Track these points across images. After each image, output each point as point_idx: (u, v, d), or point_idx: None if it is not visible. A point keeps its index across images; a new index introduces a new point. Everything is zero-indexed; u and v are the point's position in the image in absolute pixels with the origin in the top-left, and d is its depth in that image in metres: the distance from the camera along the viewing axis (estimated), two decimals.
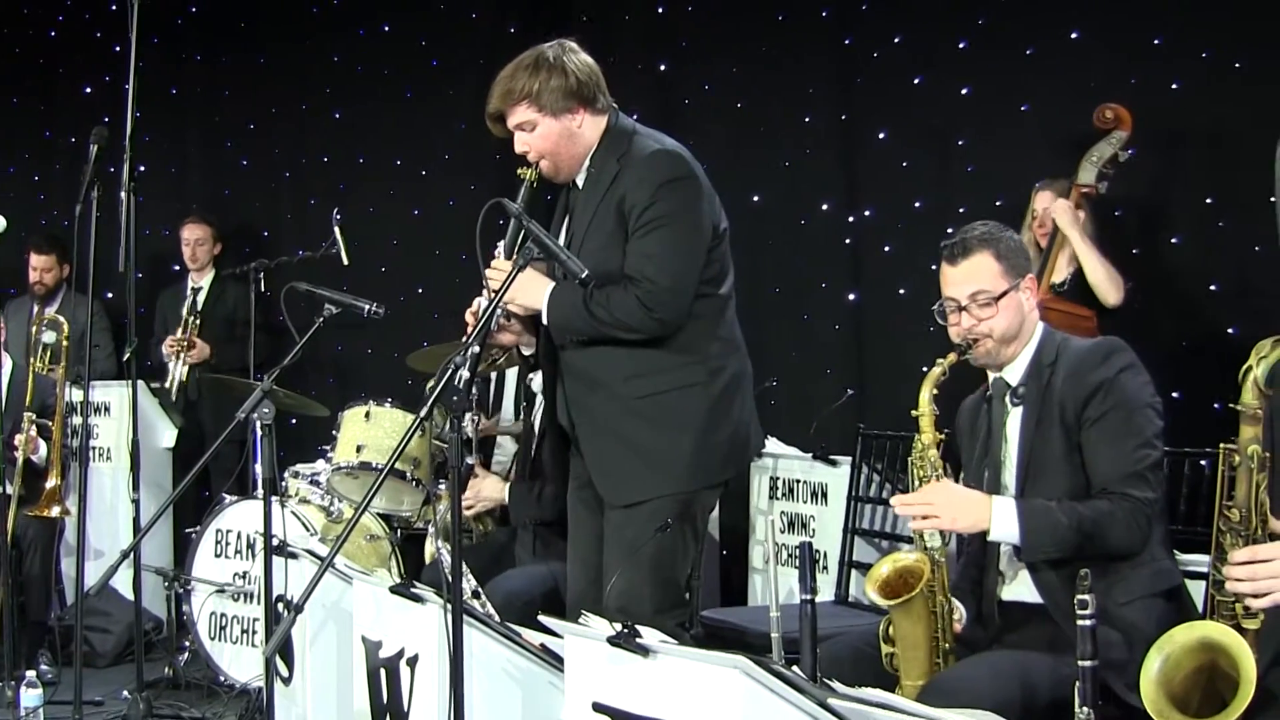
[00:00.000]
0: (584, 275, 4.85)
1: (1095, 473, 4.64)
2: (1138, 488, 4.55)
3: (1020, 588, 4.80)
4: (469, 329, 5.20)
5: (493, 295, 4.92)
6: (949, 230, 5.00)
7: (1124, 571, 4.61)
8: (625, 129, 5.37)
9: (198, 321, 10.36)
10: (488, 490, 6.94)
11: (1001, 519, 4.58)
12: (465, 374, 4.55)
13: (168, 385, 10.20)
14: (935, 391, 4.87)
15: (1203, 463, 5.58)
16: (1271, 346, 3.69)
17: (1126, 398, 4.64)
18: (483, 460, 7.21)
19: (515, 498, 6.80)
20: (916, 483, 4.82)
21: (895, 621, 4.68)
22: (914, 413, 4.84)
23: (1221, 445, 3.93)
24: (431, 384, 6.47)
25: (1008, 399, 4.91)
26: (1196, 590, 5.08)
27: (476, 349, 4.65)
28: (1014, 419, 4.88)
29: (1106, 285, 6.82)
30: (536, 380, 5.92)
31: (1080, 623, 3.81)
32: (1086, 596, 3.79)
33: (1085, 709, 3.79)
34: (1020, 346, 4.89)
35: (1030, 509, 4.59)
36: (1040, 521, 4.56)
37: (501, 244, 5.23)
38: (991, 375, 5.01)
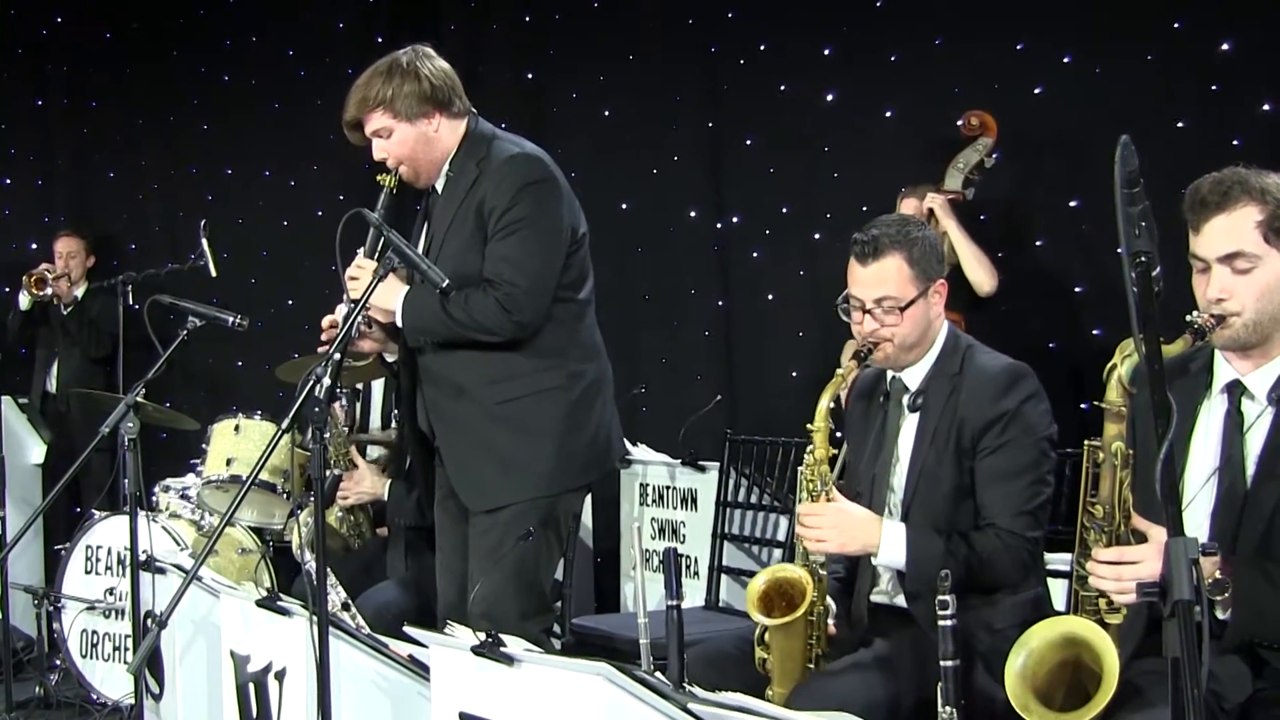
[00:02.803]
0: (444, 285, 4.86)
1: (985, 505, 4.62)
2: (1027, 527, 4.56)
3: (889, 590, 4.80)
4: (327, 335, 5.19)
5: (353, 302, 4.91)
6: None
7: (997, 596, 4.61)
8: (485, 133, 5.39)
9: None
10: (366, 485, 6.89)
11: (890, 545, 4.54)
12: (327, 382, 4.54)
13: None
14: (832, 404, 4.71)
15: (1067, 465, 5.62)
16: (1135, 345, 3.74)
17: (1025, 431, 4.60)
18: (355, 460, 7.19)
19: (394, 497, 6.78)
20: (805, 495, 4.71)
21: (772, 633, 4.62)
22: (809, 426, 4.72)
23: (1086, 442, 3.96)
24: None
25: (905, 403, 4.83)
26: (1058, 587, 5.14)
27: (338, 357, 4.64)
28: (909, 425, 4.81)
29: (981, 274, 6.86)
30: None
31: (941, 623, 3.83)
32: (947, 597, 3.81)
33: (948, 708, 3.82)
34: (922, 352, 4.80)
35: (918, 541, 4.55)
36: (927, 554, 4.52)
37: (362, 250, 5.22)
38: (888, 373, 4.93)
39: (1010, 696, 3.71)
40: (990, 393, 4.64)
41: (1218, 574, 3.65)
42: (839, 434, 4.89)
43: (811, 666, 4.64)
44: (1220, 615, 3.71)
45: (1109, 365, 3.90)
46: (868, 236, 4.75)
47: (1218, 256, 3.87)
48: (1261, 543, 3.81)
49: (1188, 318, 3.83)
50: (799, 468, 4.82)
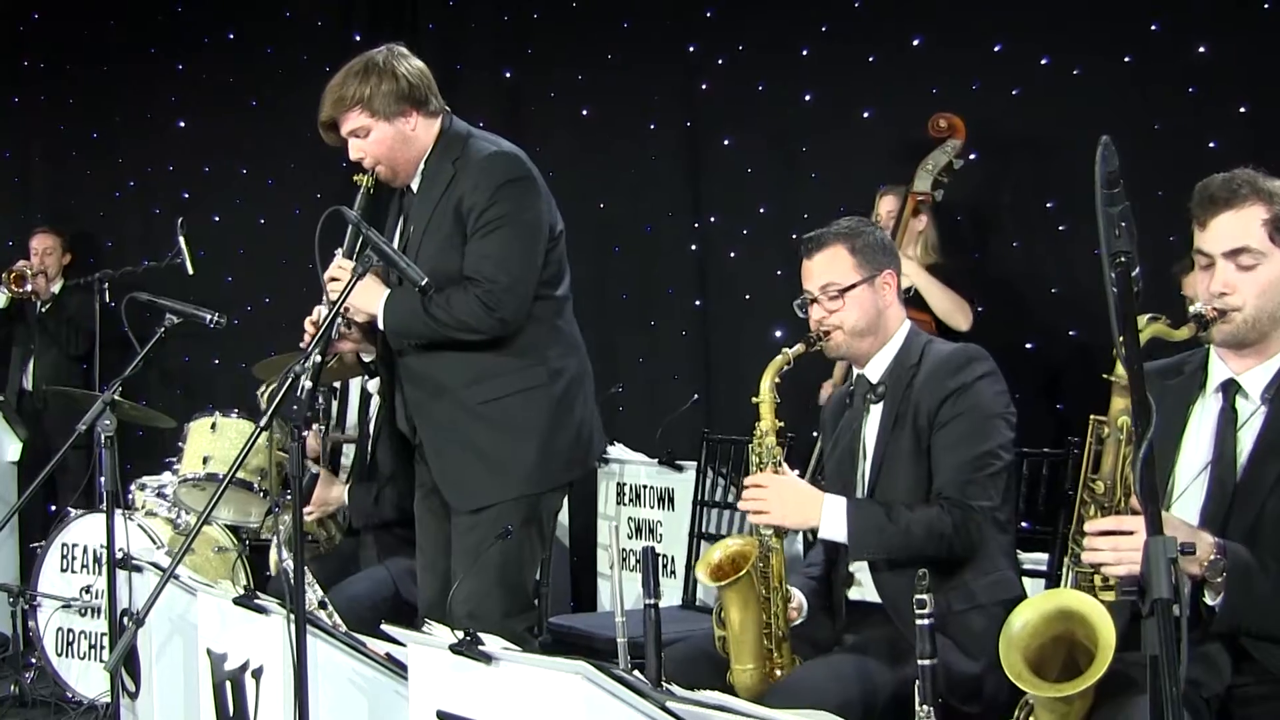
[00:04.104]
0: (424, 283, 4.85)
1: (936, 476, 4.64)
2: (975, 495, 4.56)
3: (867, 589, 4.80)
4: (309, 338, 5.16)
5: (332, 303, 4.91)
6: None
7: (964, 578, 4.62)
8: (460, 132, 5.38)
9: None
10: (335, 492, 6.89)
11: (830, 518, 4.58)
12: (308, 384, 4.54)
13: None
14: (778, 380, 4.80)
15: (1045, 464, 5.62)
16: (1148, 321, 3.75)
17: (978, 404, 4.63)
18: (330, 468, 7.18)
19: (355, 500, 6.79)
20: (754, 470, 4.77)
21: (725, 605, 4.66)
22: (754, 399, 4.81)
23: (1092, 417, 3.94)
24: (264, 389, 6.49)
25: (867, 396, 4.88)
26: (1035, 588, 5.14)
27: (318, 358, 4.64)
28: (872, 417, 4.87)
29: (956, 317, 6.86)
30: (373, 383, 5.89)
31: (918, 622, 3.84)
32: (925, 596, 3.82)
33: (925, 707, 3.83)
34: (878, 343, 4.87)
35: (859, 510, 4.60)
36: (867, 523, 4.56)
37: (340, 250, 5.20)
38: (855, 371, 4.99)
39: (1004, 663, 3.71)
40: (944, 372, 4.71)
41: (1213, 555, 3.68)
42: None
43: (771, 648, 4.65)
44: (1210, 601, 3.73)
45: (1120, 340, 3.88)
46: (813, 234, 4.93)
47: (1223, 251, 3.92)
48: (1250, 532, 3.84)
49: (1191, 308, 3.89)
50: (748, 444, 4.86)
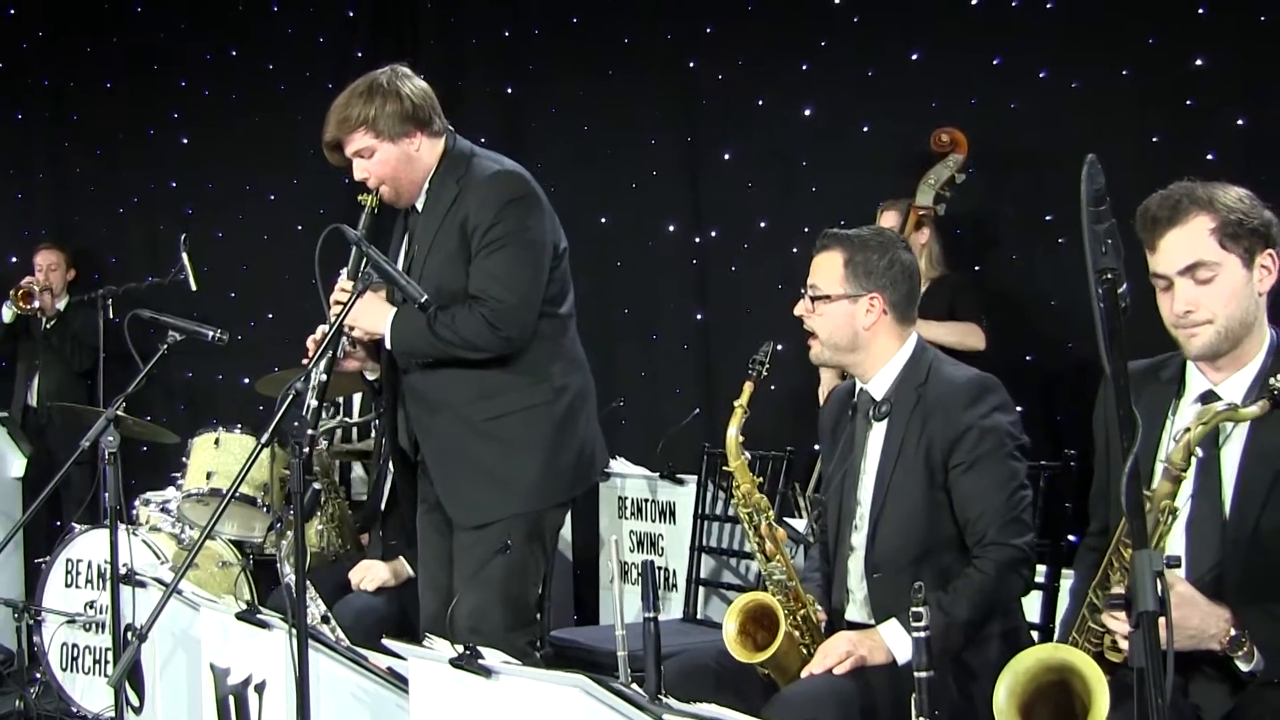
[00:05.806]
0: (423, 300, 4.86)
1: (970, 521, 4.56)
2: (1018, 534, 4.50)
3: (864, 608, 4.76)
4: (310, 355, 5.16)
5: (334, 322, 4.92)
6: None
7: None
8: (463, 151, 5.39)
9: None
10: (377, 571, 6.80)
11: (896, 644, 4.47)
12: (314, 402, 4.56)
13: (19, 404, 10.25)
14: (742, 437, 4.73)
15: (1043, 477, 5.62)
16: (1214, 415, 3.67)
17: (998, 441, 4.56)
18: (342, 485, 7.21)
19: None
20: (751, 531, 4.73)
21: (769, 665, 4.60)
22: (725, 468, 4.75)
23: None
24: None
25: (870, 414, 4.80)
26: (1031, 603, 5.13)
27: (324, 377, 4.67)
28: (875, 435, 4.78)
29: (967, 341, 6.88)
30: None
31: (915, 635, 3.85)
32: (921, 609, 3.82)
33: (922, 719, 3.84)
34: (871, 360, 4.77)
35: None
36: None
37: (345, 271, 5.22)
38: (858, 385, 4.89)
39: (995, 712, 3.71)
40: (958, 404, 4.61)
41: (1232, 631, 3.66)
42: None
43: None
44: (1245, 667, 3.70)
45: (1184, 427, 3.81)
46: (830, 230, 4.86)
47: (1178, 270, 3.87)
48: (1247, 555, 3.82)
49: (1271, 381, 3.71)
50: (737, 505, 4.81)
